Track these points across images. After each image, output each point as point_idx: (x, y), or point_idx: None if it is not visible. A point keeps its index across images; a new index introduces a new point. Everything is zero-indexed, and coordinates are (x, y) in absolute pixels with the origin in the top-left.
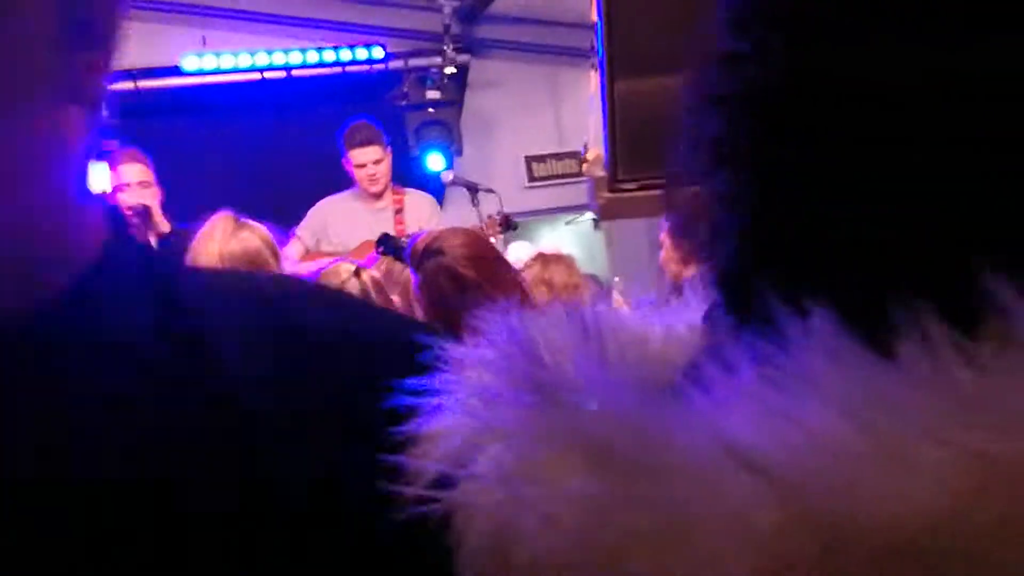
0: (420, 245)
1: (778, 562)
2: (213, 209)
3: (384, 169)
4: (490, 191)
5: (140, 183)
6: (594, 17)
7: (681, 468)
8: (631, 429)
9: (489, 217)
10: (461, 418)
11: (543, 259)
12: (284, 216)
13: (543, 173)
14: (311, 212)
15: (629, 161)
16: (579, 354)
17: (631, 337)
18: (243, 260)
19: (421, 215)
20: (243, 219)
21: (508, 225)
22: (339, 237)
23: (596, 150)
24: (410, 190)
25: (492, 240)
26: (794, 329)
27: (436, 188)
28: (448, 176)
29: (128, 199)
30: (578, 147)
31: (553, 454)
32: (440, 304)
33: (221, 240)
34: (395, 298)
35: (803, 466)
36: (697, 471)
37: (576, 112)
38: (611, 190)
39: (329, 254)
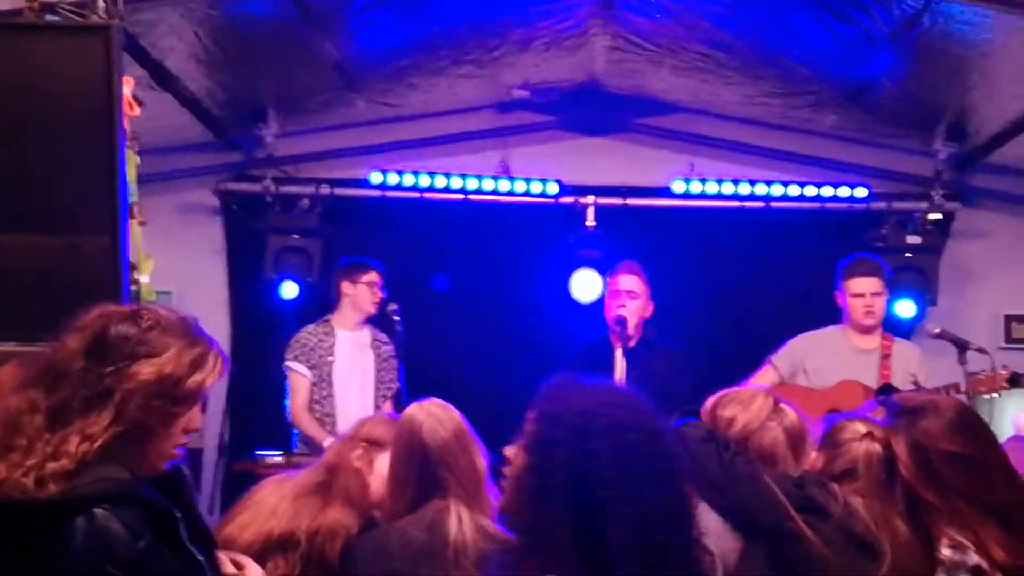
0: (909, 404)
1: None
2: (692, 325)
3: (881, 304)
4: (981, 350)
5: (628, 293)
6: None
7: None
8: None
9: (995, 370)
10: None
11: None
12: (748, 338)
13: (1023, 335)
14: (792, 343)
15: None
16: None
17: None
18: (762, 450)
19: (909, 365)
20: (781, 403)
21: (1016, 382)
22: (818, 373)
23: None
24: (899, 339)
25: (992, 395)
26: None
27: (903, 335)
28: (934, 328)
29: (615, 307)
30: None
31: None
32: (926, 469)
33: (749, 419)
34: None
35: None
36: None
37: None
38: None
39: (803, 387)
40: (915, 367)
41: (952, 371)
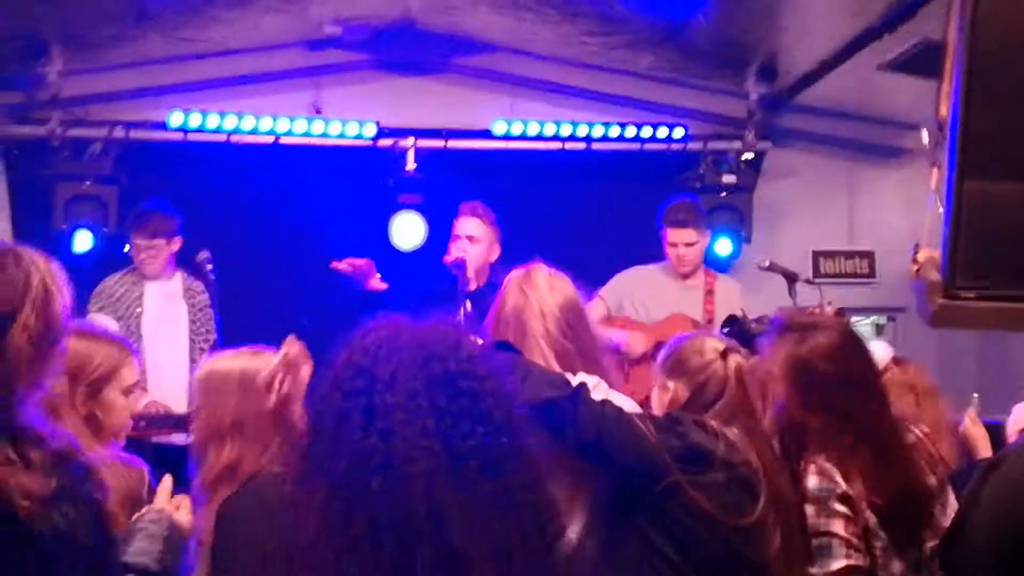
0: (796, 320)
1: None
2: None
3: (695, 252)
4: (809, 282)
5: (469, 237)
6: (943, 113)
7: None
8: None
9: (821, 305)
10: None
11: (900, 363)
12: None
13: (830, 270)
14: (617, 278)
15: (971, 268)
16: None
17: None
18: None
19: (731, 300)
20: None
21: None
22: (644, 306)
23: (929, 251)
24: (721, 275)
25: None
26: None
27: (720, 271)
28: (764, 262)
29: (454, 251)
30: (869, 247)
31: None
32: (806, 389)
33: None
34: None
35: None
36: None
37: (871, 210)
38: (947, 296)
39: (633, 320)
40: (737, 302)
41: (768, 307)
